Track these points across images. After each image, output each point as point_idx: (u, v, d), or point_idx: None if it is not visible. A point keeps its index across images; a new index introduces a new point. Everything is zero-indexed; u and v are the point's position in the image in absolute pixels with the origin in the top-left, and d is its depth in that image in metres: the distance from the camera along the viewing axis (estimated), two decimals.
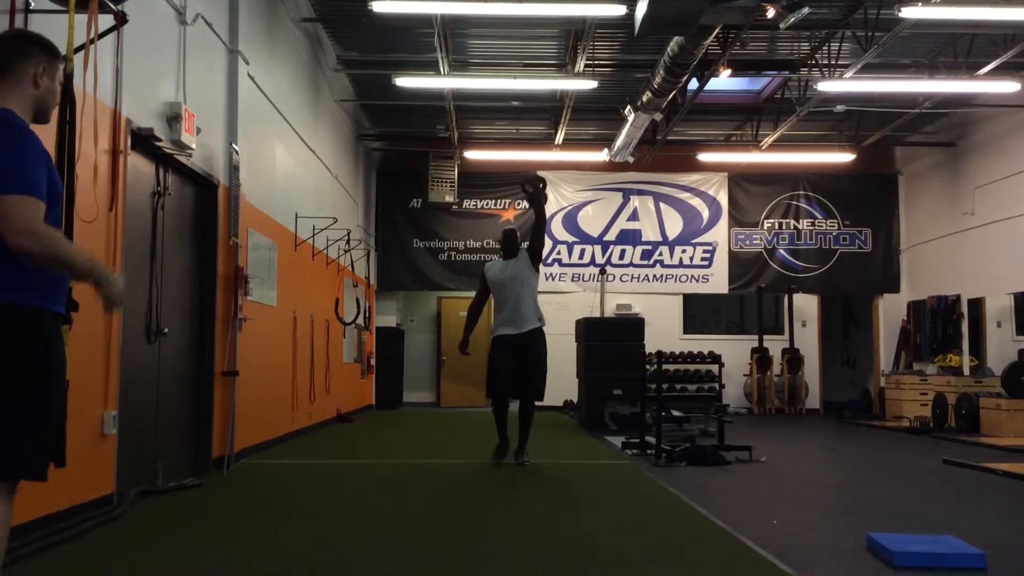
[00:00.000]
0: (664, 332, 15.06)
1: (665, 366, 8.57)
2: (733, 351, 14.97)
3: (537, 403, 7.38)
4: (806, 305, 15.99)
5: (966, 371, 13.10)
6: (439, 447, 9.16)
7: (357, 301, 12.78)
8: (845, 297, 16.69)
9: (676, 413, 9.98)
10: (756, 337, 15.45)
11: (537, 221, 7.48)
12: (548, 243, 15.26)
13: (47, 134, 3.14)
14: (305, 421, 9.87)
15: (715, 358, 10.09)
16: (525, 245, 7.58)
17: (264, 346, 8.13)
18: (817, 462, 8.66)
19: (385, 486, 6.35)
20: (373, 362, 14.98)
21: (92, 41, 3.92)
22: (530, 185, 7.36)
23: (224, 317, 7.02)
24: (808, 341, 15.84)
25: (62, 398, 2.80)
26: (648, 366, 9.30)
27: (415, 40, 10.67)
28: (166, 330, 5.98)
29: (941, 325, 14.22)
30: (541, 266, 7.71)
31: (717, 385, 10.22)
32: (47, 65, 2.71)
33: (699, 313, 16.44)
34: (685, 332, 15.91)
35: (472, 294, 8.03)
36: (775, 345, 15.46)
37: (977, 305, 13.34)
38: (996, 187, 13.00)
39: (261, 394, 8.02)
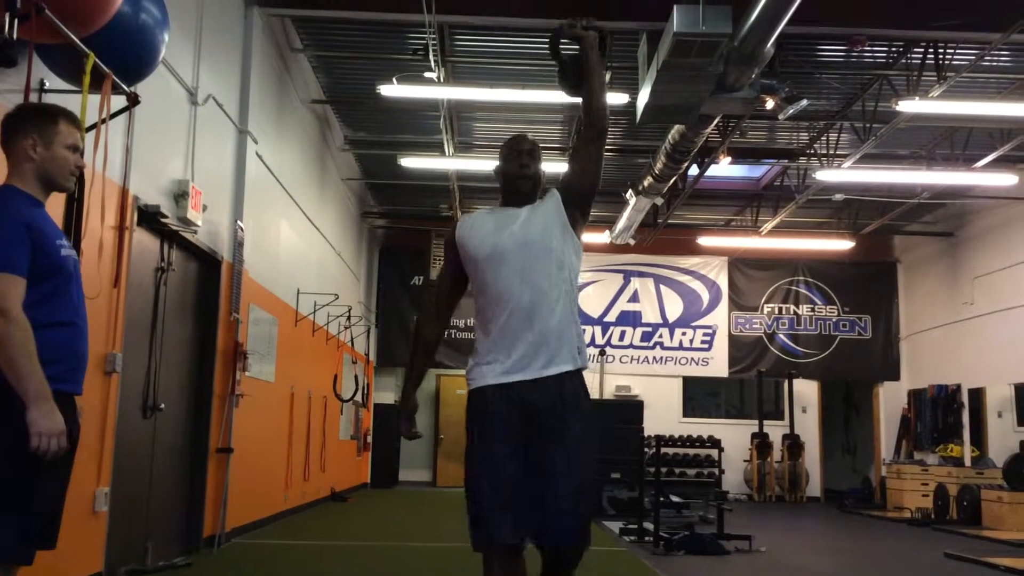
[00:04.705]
0: (663, 415, 14.96)
1: (664, 450, 8.49)
2: (733, 436, 14.83)
3: None
4: (806, 391, 15.92)
5: (967, 462, 12.95)
6: (435, 529, 9.01)
7: (356, 378, 12.74)
8: (845, 383, 16.62)
9: (675, 499, 9.85)
10: (756, 422, 15.32)
11: (588, 119, 3.08)
12: None
13: (55, 211, 3.18)
14: (299, 500, 9.74)
15: (715, 443, 10.01)
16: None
17: (260, 422, 8.07)
18: (819, 553, 8.50)
19: (378, 570, 6.23)
20: (370, 439, 14.84)
21: (104, 121, 3.99)
22: (573, 33, 3.02)
23: (221, 393, 6.99)
24: (808, 427, 15.72)
25: (59, 485, 2.71)
26: (647, 449, 9.22)
27: (421, 122, 10.86)
28: (163, 406, 5.95)
29: (942, 414, 14.12)
30: None
31: (717, 470, 10.12)
32: (38, 135, 2.69)
33: (699, 396, 16.33)
34: (685, 415, 15.78)
35: None
36: (775, 431, 15.33)
37: (978, 395, 13.26)
38: (995, 277, 13.06)
39: (255, 471, 7.93)
